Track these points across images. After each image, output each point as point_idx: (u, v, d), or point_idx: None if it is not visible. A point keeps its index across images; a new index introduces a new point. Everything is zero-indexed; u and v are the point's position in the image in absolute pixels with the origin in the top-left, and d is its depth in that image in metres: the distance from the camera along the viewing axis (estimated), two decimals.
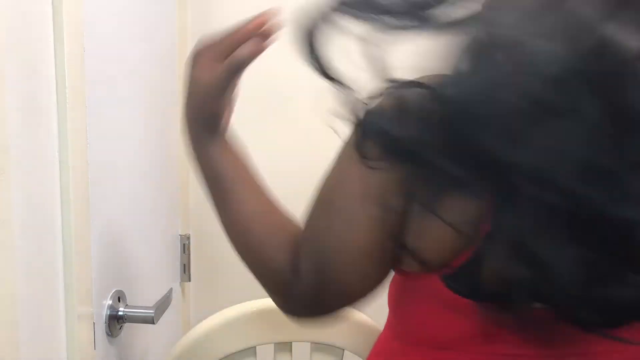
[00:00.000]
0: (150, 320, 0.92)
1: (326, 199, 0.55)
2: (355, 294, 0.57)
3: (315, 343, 0.89)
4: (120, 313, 0.89)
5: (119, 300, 0.91)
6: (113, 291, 0.90)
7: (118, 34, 0.90)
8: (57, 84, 0.71)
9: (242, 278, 1.35)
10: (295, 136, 1.27)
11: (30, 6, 0.66)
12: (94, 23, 0.79)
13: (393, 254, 0.53)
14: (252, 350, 0.88)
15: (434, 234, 0.49)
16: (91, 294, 0.80)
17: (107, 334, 0.88)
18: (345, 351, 0.89)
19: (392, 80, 0.42)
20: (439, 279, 0.52)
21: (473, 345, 0.54)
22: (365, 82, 0.40)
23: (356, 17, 0.40)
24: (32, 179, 0.67)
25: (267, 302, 0.89)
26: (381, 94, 0.43)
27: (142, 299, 1.01)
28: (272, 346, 0.89)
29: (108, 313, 0.87)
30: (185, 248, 1.26)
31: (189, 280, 1.29)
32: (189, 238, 1.27)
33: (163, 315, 0.98)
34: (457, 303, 0.52)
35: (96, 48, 0.80)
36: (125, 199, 0.94)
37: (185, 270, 1.27)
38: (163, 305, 0.99)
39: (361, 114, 0.44)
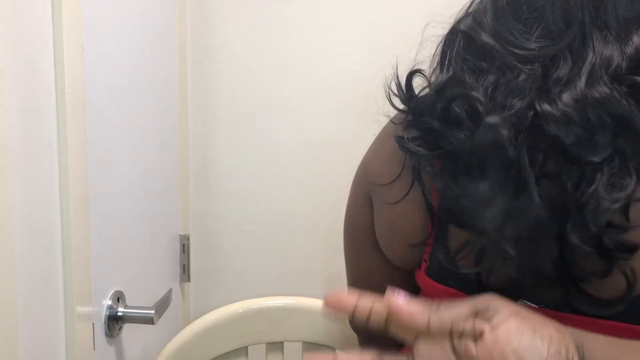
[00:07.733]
0: (150, 321, 0.91)
1: None
2: None
3: (307, 343, 0.89)
4: (119, 313, 0.89)
5: (119, 301, 0.91)
6: (112, 291, 0.90)
7: (118, 34, 0.90)
8: (56, 84, 0.71)
9: (241, 278, 1.36)
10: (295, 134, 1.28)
11: (30, 6, 0.66)
12: (93, 23, 0.79)
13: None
14: (243, 350, 0.88)
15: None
16: (91, 294, 0.80)
17: (107, 335, 0.88)
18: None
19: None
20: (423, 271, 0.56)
21: None
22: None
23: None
24: (32, 179, 0.67)
25: (259, 302, 0.89)
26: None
27: (142, 299, 1.01)
28: (263, 346, 0.89)
29: (107, 313, 0.87)
30: (185, 248, 1.26)
31: (189, 280, 1.29)
32: (188, 238, 1.27)
33: (163, 316, 0.98)
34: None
35: (96, 48, 0.80)
36: (125, 199, 0.94)
37: (185, 270, 1.27)
38: (163, 305, 0.99)
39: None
